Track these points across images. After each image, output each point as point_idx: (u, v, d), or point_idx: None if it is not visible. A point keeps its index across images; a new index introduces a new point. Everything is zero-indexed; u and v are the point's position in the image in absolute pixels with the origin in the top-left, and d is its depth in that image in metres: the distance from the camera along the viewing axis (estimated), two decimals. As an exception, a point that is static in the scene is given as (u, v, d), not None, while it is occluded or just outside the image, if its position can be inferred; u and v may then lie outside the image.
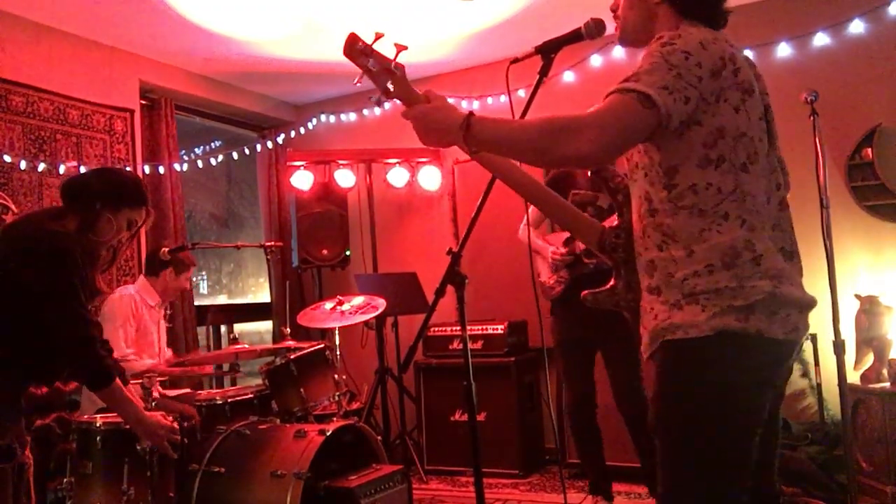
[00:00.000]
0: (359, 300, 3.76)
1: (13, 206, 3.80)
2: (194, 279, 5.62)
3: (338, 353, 3.69)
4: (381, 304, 3.70)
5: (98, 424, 2.66)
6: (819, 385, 3.92)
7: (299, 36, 4.50)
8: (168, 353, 3.85)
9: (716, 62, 1.46)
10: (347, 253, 5.20)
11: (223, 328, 5.47)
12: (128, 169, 4.38)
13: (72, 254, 2.15)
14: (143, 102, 4.75)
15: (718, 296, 1.45)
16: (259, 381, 3.45)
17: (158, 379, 3.30)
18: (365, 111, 5.59)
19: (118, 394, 2.30)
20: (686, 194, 1.49)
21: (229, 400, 3.22)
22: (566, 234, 3.39)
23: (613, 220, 1.69)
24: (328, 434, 2.88)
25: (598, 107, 1.44)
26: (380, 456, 3.16)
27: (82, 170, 4.23)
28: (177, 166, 4.83)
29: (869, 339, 3.66)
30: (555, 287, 3.38)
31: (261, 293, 7.03)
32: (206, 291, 6.93)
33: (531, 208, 3.53)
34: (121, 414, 2.36)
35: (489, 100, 4.98)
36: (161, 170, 4.71)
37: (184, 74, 4.99)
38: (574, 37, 1.82)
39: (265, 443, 2.94)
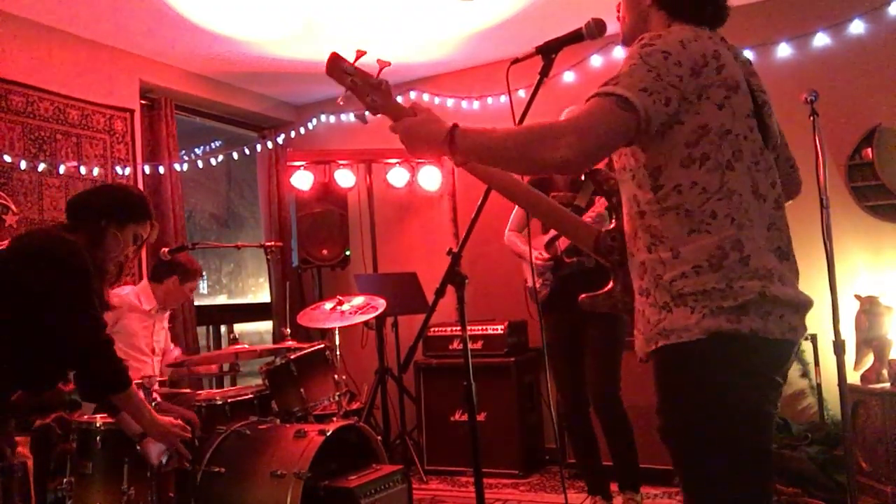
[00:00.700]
0: (359, 300, 3.76)
1: (13, 206, 3.80)
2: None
3: (338, 353, 3.69)
4: (381, 304, 3.70)
5: (98, 424, 2.66)
6: (819, 385, 3.92)
7: (299, 36, 4.50)
8: (177, 351, 3.83)
9: (696, 60, 1.45)
10: (347, 253, 5.20)
11: (223, 328, 5.47)
12: (131, 167, 4.39)
13: (83, 260, 2.16)
14: (143, 102, 4.75)
15: (707, 297, 1.44)
16: (259, 381, 3.45)
17: (158, 380, 3.30)
18: (365, 111, 5.58)
19: (135, 397, 2.32)
20: (671, 195, 1.48)
21: (229, 400, 3.22)
22: (547, 237, 3.40)
23: (592, 212, 1.66)
24: (328, 434, 2.87)
25: (577, 111, 1.44)
26: (380, 456, 3.16)
27: (82, 170, 4.24)
28: (177, 166, 4.83)
29: (869, 340, 3.66)
30: (541, 290, 3.39)
31: (261, 293, 7.03)
32: (206, 291, 6.93)
33: (513, 213, 3.57)
34: (137, 417, 2.36)
35: (489, 100, 4.98)
36: (161, 170, 4.71)
37: (184, 74, 4.99)
38: (574, 37, 1.82)
39: (265, 443, 2.94)
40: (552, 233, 3.38)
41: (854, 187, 4.08)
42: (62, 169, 4.14)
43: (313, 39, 4.57)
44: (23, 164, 3.93)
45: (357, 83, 1.70)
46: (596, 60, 4.72)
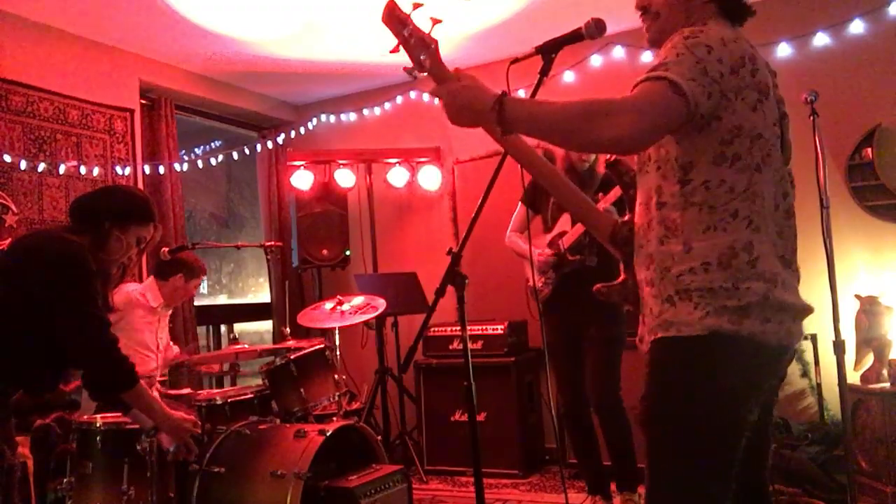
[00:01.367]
0: (359, 300, 3.76)
1: (13, 206, 3.80)
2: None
3: (338, 353, 3.69)
4: (381, 304, 3.70)
5: (98, 424, 2.66)
6: (819, 385, 3.92)
7: (299, 36, 4.50)
8: (175, 349, 3.84)
9: (736, 59, 1.46)
10: (347, 253, 5.20)
11: (223, 328, 5.47)
12: (131, 167, 4.39)
13: (87, 261, 2.16)
14: (143, 102, 4.75)
15: (712, 295, 1.45)
16: (259, 381, 3.45)
17: (159, 379, 3.31)
18: (365, 111, 5.59)
19: (145, 393, 2.32)
20: (698, 190, 1.49)
21: (229, 400, 3.22)
22: (550, 236, 3.40)
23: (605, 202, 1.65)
24: (328, 434, 2.88)
25: (631, 93, 1.42)
26: (380, 456, 3.16)
27: (82, 170, 4.24)
28: (177, 166, 4.83)
29: (869, 340, 3.66)
30: (543, 289, 3.39)
31: (261, 293, 7.03)
32: (206, 291, 6.93)
33: (515, 213, 3.57)
34: (148, 413, 2.36)
35: (489, 100, 4.97)
36: (161, 170, 4.71)
37: (184, 74, 4.99)
38: (574, 37, 1.81)
39: (265, 443, 2.94)
40: (555, 232, 3.39)
41: (854, 187, 4.08)
42: (62, 169, 4.14)
43: (313, 39, 4.57)
44: (23, 164, 3.93)
45: (410, 37, 1.64)
46: (596, 60, 4.72)
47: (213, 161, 5.23)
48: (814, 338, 3.84)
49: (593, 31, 1.79)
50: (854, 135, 4.06)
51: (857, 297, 3.75)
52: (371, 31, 4.48)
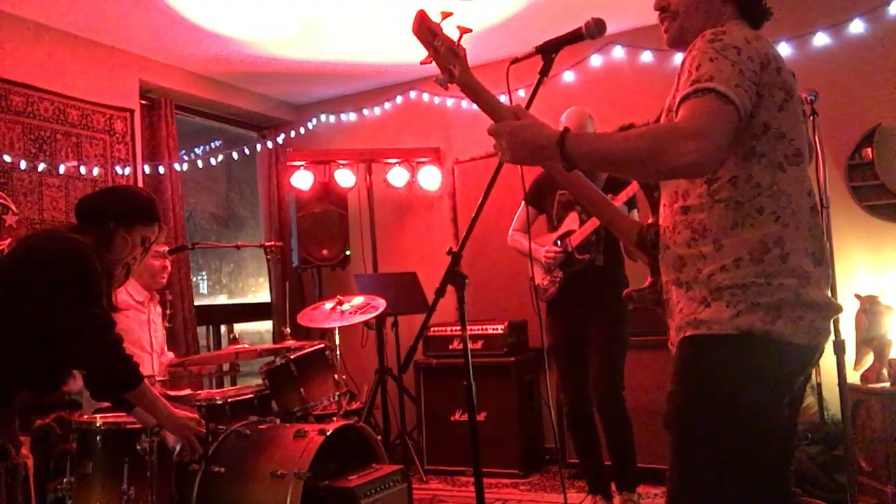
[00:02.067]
0: (359, 300, 3.76)
1: (13, 206, 3.80)
2: (194, 279, 5.63)
3: (338, 353, 3.69)
4: (381, 304, 3.70)
5: (98, 424, 2.66)
6: (819, 385, 3.90)
7: (299, 36, 4.50)
8: (169, 355, 3.83)
9: (762, 57, 1.46)
10: (347, 253, 5.20)
11: (223, 328, 5.47)
12: (131, 167, 4.38)
13: (92, 261, 2.16)
14: (143, 102, 4.75)
15: (744, 291, 1.45)
16: (259, 381, 3.45)
17: (159, 379, 3.30)
18: (365, 111, 5.59)
19: (149, 392, 2.32)
20: (725, 187, 1.49)
21: (229, 400, 3.22)
22: (555, 235, 3.40)
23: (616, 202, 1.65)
24: (328, 434, 2.88)
25: (683, 114, 1.41)
26: (380, 456, 3.16)
27: (82, 170, 4.24)
28: (177, 166, 4.83)
29: (869, 339, 3.66)
30: (548, 288, 3.39)
31: (261, 293, 7.02)
32: (206, 291, 6.93)
33: (518, 213, 3.57)
34: (153, 411, 2.36)
35: (489, 100, 4.97)
36: (161, 170, 4.71)
37: (184, 74, 4.99)
38: (574, 37, 1.82)
39: (265, 443, 2.94)
40: (562, 231, 3.39)
41: (854, 187, 4.08)
42: (62, 169, 4.14)
43: (313, 39, 4.57)
44: (23, 164, 3.93)
45: (440, 48, 1.64)
46: (596, 60, 4.72)
47: (213, 161, 5.23)
48: (814, 338, 3.83)
49: (593, 31, 1.79)
50: (854, 135, 4.06)
51: (857, 296, 3.74)
52: (371, 31, 4.48)
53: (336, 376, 3.44)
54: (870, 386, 3.55)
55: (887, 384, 3.50)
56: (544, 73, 1.83)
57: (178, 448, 2.50)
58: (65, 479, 2.59)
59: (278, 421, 3.23)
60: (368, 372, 4.89)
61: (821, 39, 4.14)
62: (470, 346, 2.13)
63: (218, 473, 2.85)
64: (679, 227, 1.56)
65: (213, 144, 6.18)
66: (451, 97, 5.19)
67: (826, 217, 2.84)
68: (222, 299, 7.07)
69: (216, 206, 7.08)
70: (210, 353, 4.50)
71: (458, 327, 4.08)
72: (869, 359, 3.66)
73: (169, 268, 3.75)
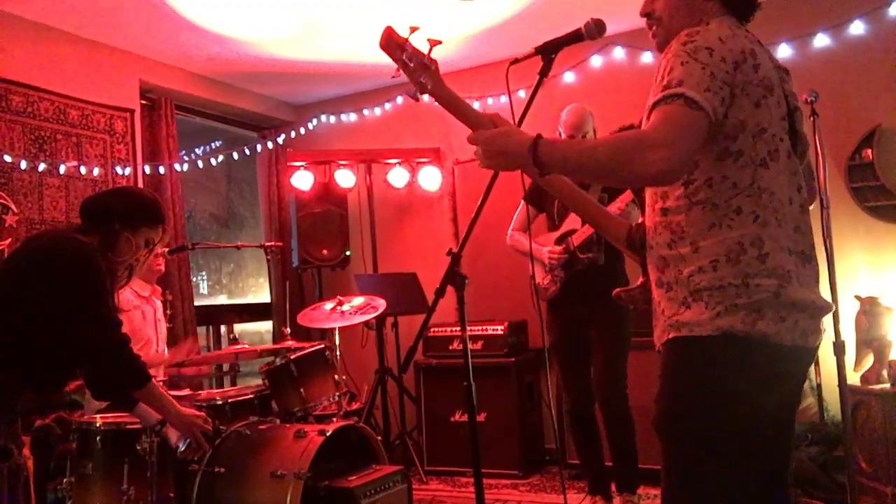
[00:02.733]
0: (359, 300, 3.76)
1: (13, 206, 3.80)
2: (194, 279, 5.63)
3: (338, 353, 3.69)
4: (381, 304, 3.70)
5: (98, 424, 2.66)
6: (819, 385, 3.91)
7: (299, 36, 4.51)
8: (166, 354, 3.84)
9: (737, 55, 1.46)
10: (347, 253, 5.20)
11: (223, 328, 5.47)
12: (131, 167, 4.38)
13: (97, 262, 2.17)
14: (143, 102, 4.75)
15: (722, 293, 1.45)
16: (259, 381, 3.45)
17: (160, 379, 3.30)
18: (365, 111, 5.59)
19: (156, 390, 2.33)
20: (701, 189, 1.49)
21: (229, 400, 3.22)
22: (556, 234, 3.40)
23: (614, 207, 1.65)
24: (328, 434, 2.88)
25: (652, 121, 1.42)
26: (380, 456, 3.16)
27: (82, 170, 4.24)
28: (177, 166, 4.83)
29: (869, 340, 3.65)
30: (550, 287, 3.39)
31: (261, 293, 7.02)
32: (206, 291, 6.93)
33: (517, 212, 3.57)
34: (159, 409, 2.37)
35: (489, 100, 4.97)
36: (161, 170, 4.71)
37: (184, 74, 4.99)
38: (574, 37, 1.82)
39: (265, 443, 2.94)
40: (563, 230, 3.39)
41: (854, 188, 4.08)
42: (62, 169, 4.14)
43: (313, 39, 4.57)
44: (23, 164, 3.93)
45: (409, 61, 1.67)
46: (596, 61, 4.72)
47: (213, 161, 5.23)
48: (814, 338, 3.83)
49: (593, 32, 1.79)
50: (854, 135, 4.06)
51: (857, 297, 3.74)
52: (371, 31, 4.48)
53: (336, 376, 3.44)
54: (870, 387, 3.55)
55: (887, 385, 3.50)
56: (544, 73, 1.83)
57: (181, 446, 2.50)
58: (65, 480, 2.59)
59: (278, 421, 3.23)
60: (368, 372, 4.89)
61: (821, 40, 4.13)
62: (470, 346, 2.13)
63: (218, 473, 2.85)
64: (659, 229, 1.56)
65: (213, 145, 6.18)
66: (452, 97, 5.18)
67: (826, 217, 2.84)
68: (222, 299, 7.07)
69: (216, 206, 7.08)
70: (210, 353, 4.51)
71: (458, 328, 4.08)
72: (869, 360, 3.66)
73: (163, 256, 3.77)
